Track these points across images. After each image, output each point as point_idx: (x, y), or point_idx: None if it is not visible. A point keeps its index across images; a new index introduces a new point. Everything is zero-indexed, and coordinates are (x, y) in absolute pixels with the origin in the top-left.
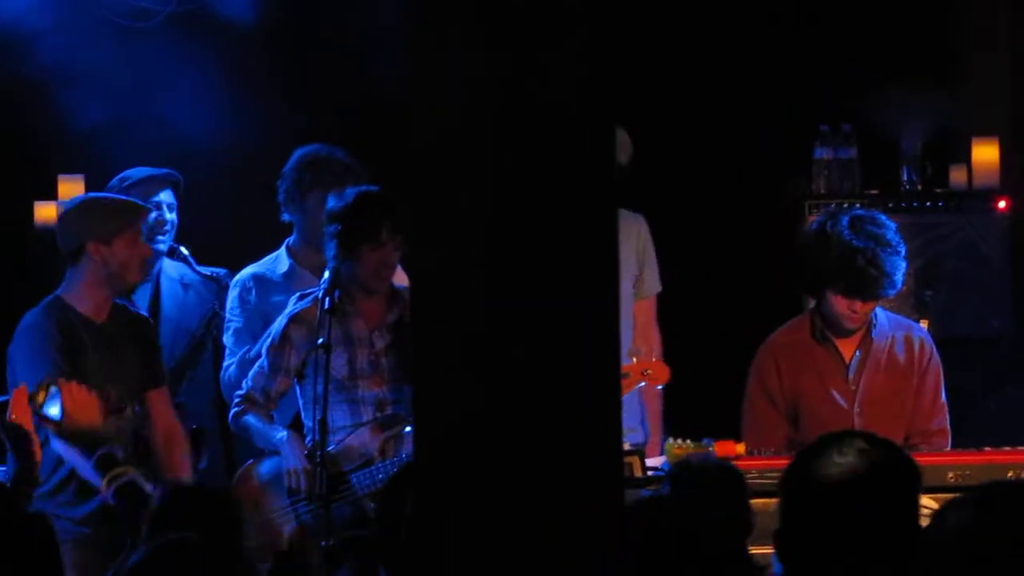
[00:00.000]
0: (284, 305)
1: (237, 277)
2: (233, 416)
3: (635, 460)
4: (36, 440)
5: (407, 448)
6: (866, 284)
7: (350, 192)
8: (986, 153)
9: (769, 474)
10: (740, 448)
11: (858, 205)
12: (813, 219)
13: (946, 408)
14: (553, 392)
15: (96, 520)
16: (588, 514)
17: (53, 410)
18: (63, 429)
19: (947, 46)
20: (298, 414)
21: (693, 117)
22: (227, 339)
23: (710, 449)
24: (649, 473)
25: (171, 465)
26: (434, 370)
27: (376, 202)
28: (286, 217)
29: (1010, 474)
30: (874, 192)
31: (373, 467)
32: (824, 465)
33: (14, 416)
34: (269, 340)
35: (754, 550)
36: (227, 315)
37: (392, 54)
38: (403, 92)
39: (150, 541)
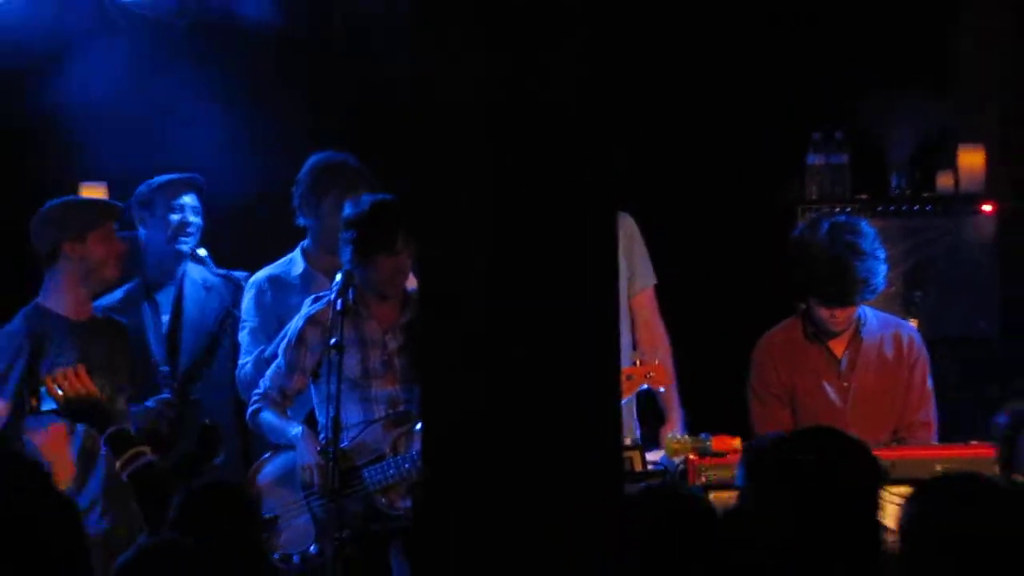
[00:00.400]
0: (299, 306)
1: (253, 279)
2: (251, 413)
3: (635, 455)
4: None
5: (418, 445)
6: (844, 293)
7: (366, 200)
8: (972, 159)
9: None
10: (736, 443)
11: (848, 210)
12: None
13: (933, 401)
14: (553, 391)
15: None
16: (587, 509)
17: (50, 403)
18: (67, 409)
19: (935, 57)
20: (312, 411)
21: (692, 124)
22: (243, 338)
23: (707, 444)
24: (649, 467)
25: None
26: (437, 369)
27: (392, 211)
28: (301, 221)
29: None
30: (864, 197)
31: (384, 462)
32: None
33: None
34: (286, 340)
35: None
36: (243, 315)
37: (403, 57)
38: (405, 93)
39: (140, 543)
